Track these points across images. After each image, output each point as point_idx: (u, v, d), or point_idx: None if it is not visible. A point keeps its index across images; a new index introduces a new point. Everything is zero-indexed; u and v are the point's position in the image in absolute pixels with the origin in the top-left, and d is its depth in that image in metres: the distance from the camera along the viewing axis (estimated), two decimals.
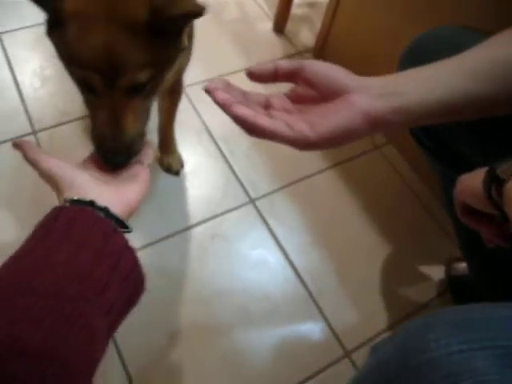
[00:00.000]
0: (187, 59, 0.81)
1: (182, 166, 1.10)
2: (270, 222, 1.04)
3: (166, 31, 0.56)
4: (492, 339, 0.36)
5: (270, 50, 1.39)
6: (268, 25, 1.46)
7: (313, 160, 1.16)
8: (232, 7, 1.49)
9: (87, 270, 0.41)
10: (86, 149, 0.58)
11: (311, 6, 1.56)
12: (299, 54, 1.40)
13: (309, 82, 0.48)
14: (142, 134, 0.60)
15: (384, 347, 0.44)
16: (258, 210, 1.05)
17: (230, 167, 1.11)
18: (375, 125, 0.45)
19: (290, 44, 1.42)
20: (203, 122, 1.18)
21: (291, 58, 1.38)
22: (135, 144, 0.58)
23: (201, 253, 0.98)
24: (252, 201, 1.07)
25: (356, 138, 0.46)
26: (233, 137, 1.16)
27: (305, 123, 0.45)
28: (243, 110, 0.44)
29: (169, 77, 0.65)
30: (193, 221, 1.02)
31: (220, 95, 0.45)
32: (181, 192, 1.07)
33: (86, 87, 0.57)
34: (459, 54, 0.49)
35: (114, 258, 0.43)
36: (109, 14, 0.53)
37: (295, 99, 0.50)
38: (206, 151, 1.14)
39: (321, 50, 1.37)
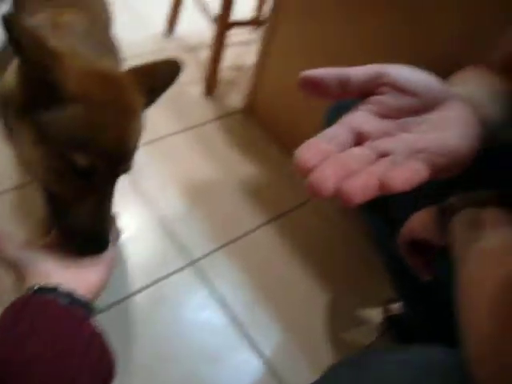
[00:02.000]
0: None
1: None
2: (212, 281, 1.05)
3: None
4: None
5: (201, 113, 1.45)
6: (198, 89, 1.53)
7: (250, 216, 1.20)
8: None
9: (55, 363, 0.41)
10: (15, 225, 0.58)
11: (238, 69, 1.65)
12: (229, 115, 1.47)
13: (400, 89, 0.38)
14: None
15: None
16: (200, 271, 1.07)
17: (169, 231, 1.13)
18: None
19: (220, 106, 1.49)
20: (140, 188, 1.20)
21: (222, 120, 1.44)
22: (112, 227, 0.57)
23: (144, 319, 0.97)
24: (193, 262, 1.08)
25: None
26: (169, 200, 1.18)
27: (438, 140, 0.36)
28: (360, 187, 0.30)
29: None
30: (134, 288, 1.02)
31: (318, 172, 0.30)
32: (121, 259, 1.06)
33: (76, 173, 0.50)
34: None
35: (82, 348, 0.43)
36: (117, 99, 0.51)
37: (385, 114, 0.38)
38: (143, 217, 1.15)
39: (250, 111, 1.44)
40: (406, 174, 0.31)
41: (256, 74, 1.37)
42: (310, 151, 0.31)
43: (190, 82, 1.55)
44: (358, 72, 0.37)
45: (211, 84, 1.50)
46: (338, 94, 0.37)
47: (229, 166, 1.30)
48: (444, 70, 0.48)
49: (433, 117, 0.38)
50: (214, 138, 1.38)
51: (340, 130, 0.35)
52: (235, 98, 1.53)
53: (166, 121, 1.39)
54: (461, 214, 0.49)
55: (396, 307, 1.04)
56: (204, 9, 1.52)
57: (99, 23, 0.82)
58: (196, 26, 1.72)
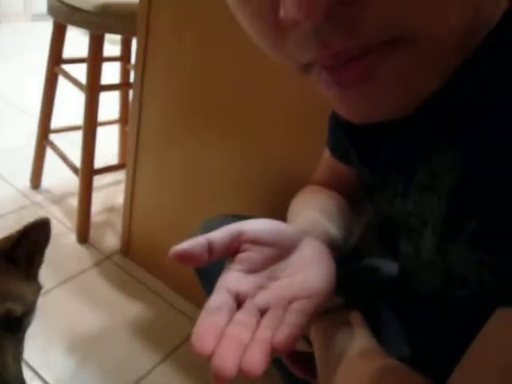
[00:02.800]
0: None
1: None
2: None
3: None
4: None
5: (79, 261, 1.44)
6: (72, 237, 1.53)
7: (144, 357, 1.18)
8: None
9: None
10: None
11: (110, 210, 1.70)
12: (108, 258, 1.48)
13: (257, 243, 0.43)
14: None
15: None
16: None
17: None
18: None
19: (97, 251, 1.50)
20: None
21: (100, 265, 1.45)
22: None
23: None
24: None
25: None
26: (57, 361, 1.12)
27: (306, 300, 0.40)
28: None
29: None
30: None
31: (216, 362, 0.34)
32: None
33: None
34: None
35: None
36: None
37: (254, 269, 0.42)
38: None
39: (127, 250, 1.47)
40: (288, 332, 0.36)
41: (126, 213, 1.42)
42: (203, 335, 0.35)
43: (62, 233, 1.54)
44: (217, 236, 0.41)
45: (84, 231, 1.52)
46: (208, 259, 0.41)
47: (114, 311, 1.29)
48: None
49: (293, 260, 0.44)
50: (94, 285, 1.37)
51: (221, 298, 0.39)
52: (111, 240, 1.55)
53: (43, 276, 1.36)
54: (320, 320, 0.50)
55: None
56: (66, 160, 1.58)
57: None
58: (61, 175, 1.76)
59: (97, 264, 1.44)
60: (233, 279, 0.41)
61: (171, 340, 1.23)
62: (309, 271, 0.43)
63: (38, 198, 1.71)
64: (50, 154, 1.68)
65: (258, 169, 1.08)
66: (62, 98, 1.70)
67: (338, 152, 0.63)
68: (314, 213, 0.56)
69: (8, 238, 0.61)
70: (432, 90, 0.34)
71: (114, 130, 1.90)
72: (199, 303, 1.24)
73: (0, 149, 1.92)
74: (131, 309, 1.31)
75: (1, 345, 0.55)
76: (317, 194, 0.65)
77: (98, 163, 1.52)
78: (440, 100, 0.36)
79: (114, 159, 1.88)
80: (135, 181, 1.37)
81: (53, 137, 1.69)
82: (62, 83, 1.58)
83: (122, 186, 1.44)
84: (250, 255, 0.42)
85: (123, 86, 1.71)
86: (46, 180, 1.77)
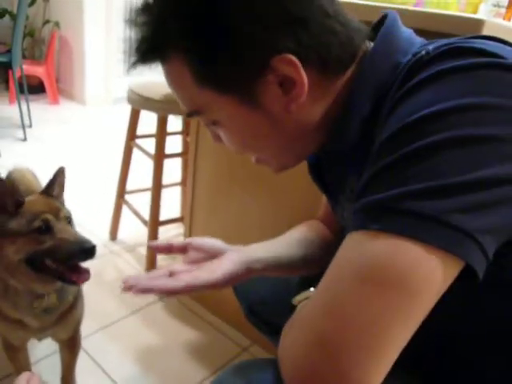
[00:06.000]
0: (83, 312, 1.13)
1: None
2: None
3: None
4: None
5: (147, 296, 1.75)
6: None
7: (197, 371, 1.43)
8: (110, 270, 1.89)
9: None
10: None
11: (172, 258, 2.01)
12: None
13: (199, 249, 0.72)
14: None
15: None
16: None
17: None
18: (247, 269, 0.69)
19: None
20: (100, 367, 1.43)
21: (163, 300, 1.75)
22: None
23: None
24: None
25: (240, 278, 0.68)
26: (130, 378, 1.41)
27: (206, 273, 0.65)
28: (165, 286, 0.62)
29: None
30: None
31: (140, 288, 0.61)
32: None
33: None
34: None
35: None
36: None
37: (191, 262, 0.71)
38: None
39: None
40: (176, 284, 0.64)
41: None
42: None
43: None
44: (177, 243, 0.74)
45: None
46: (169, 252, 0.76)
47: (174, 335, 1.57)
48: None
49: (215, 262, 0.69)
50: (158, 315, 1.67)
51: (163, 270, 0.68)
52: None
53: (119, 306, 1.68)
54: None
55: None
56: (138, 215, 1.94)
57: None
58: (133, 228, 2.12)
59: (160, 299, 1.75)
60: (175, 265, 0.70)
61: (219, 359, 1.48)
62: (211, 265, 0.68)
63: (115, 247, 2.07)
64: (125, 210, 2.06)
65: (286, 215, 1.36)
66: (135, 165, 2.10)
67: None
68: (266, 242, 0.80)
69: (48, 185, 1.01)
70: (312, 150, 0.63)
71: (177, 190, 2.27)
72: (245, 332, 1.55)
73: (86, 207, 2.33)
74: (187, 334, 1.59)
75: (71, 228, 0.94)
76: (292, 231, 0.88)
77: (163, 218, 1.87)
78: (325, 149, 0.63)
79: (176, 214, 2.23)
80: (191, 230, 1.69)
81: (127, 197, 2.07)
82: (134, 153, 1.98)
83: (182, 238, 1.76)
84: (191, 254, 0.73)
85: (183, 154, 2.07)
86: (122, 232, 2.13)
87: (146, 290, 0.61)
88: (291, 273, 0.79)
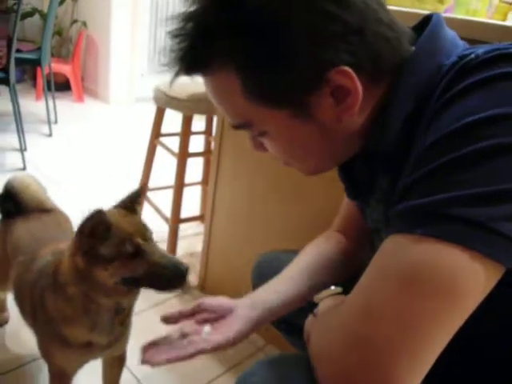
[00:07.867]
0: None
1: None
2: None
3: None
4: None
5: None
6: None
7: (213, 367, 1.45)
8: None
9: None
10: None
11: (191, 255, 2.04)
12: (187, 292, 1.80)
13: (209, 310, 0.74)
14: None
15: None
16: None
17: None
18: (257, 322, 0.72)
19: None
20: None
21: (182, 296, 1.77)
22: None
23: None
24: None
25: (251, 332, 0.72)
26: (151, 373, 1.43)
27: (219, 336, 0.68)
28: (178, 356, 0.67)
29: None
30: None
31: (156, 362, 0.67)
32: None
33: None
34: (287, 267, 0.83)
35: None
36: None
37: (202, 322, 0.73)
38: None
39: (203, 286, 1.79)
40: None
41: (203, 257, 1.76)
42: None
43: None
44: (185, 310, 0.77)
45: None
46: (180, 320, 0.77)
47: None
48: None
49: (225, 321, 0.72)
50: (174, 309, 1.68)
51: (175, 333, 0.73)
52: (190, 278, 1.88)
53: (140, 300, 1.70)
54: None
55: None
56: (159, 212, 1.97)
57: None
58: (155, 225, 2.14)
59: (179, 295, 1.77)
60: (190, 327, 0.73)
61: (233, 358, 1.50)
62: (224, 327, 0.71)
63: None
64: (146, 207, 2.09)
65: (307, 220, 1.37)
66: (157, 163, 2.12)
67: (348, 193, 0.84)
68: (274, 280, 0.81)
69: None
70: (352, 154, 0.63)
71: (196, 189, 2.29)
72: (260, 332, 1.56)
73: (108, 204, 2.36)
74: None
75: (160, 250, 0.93)
76: (303, 257, 0.87)
77: (183, 216, 1.90)
78: (363, 151, 0.63)
79: (196, 212, 2.25)
80: (211, 229, 1.71)
81: (150, 194, 2.10)
82: (158, 151, 2.02)
83: (201, 238, 1.78)
84: (202, 315, 0.75)
85: (206, 153, 2.10)
86: None
87: (160, 363, 0.67)
88: (300, 305, 0.80)
